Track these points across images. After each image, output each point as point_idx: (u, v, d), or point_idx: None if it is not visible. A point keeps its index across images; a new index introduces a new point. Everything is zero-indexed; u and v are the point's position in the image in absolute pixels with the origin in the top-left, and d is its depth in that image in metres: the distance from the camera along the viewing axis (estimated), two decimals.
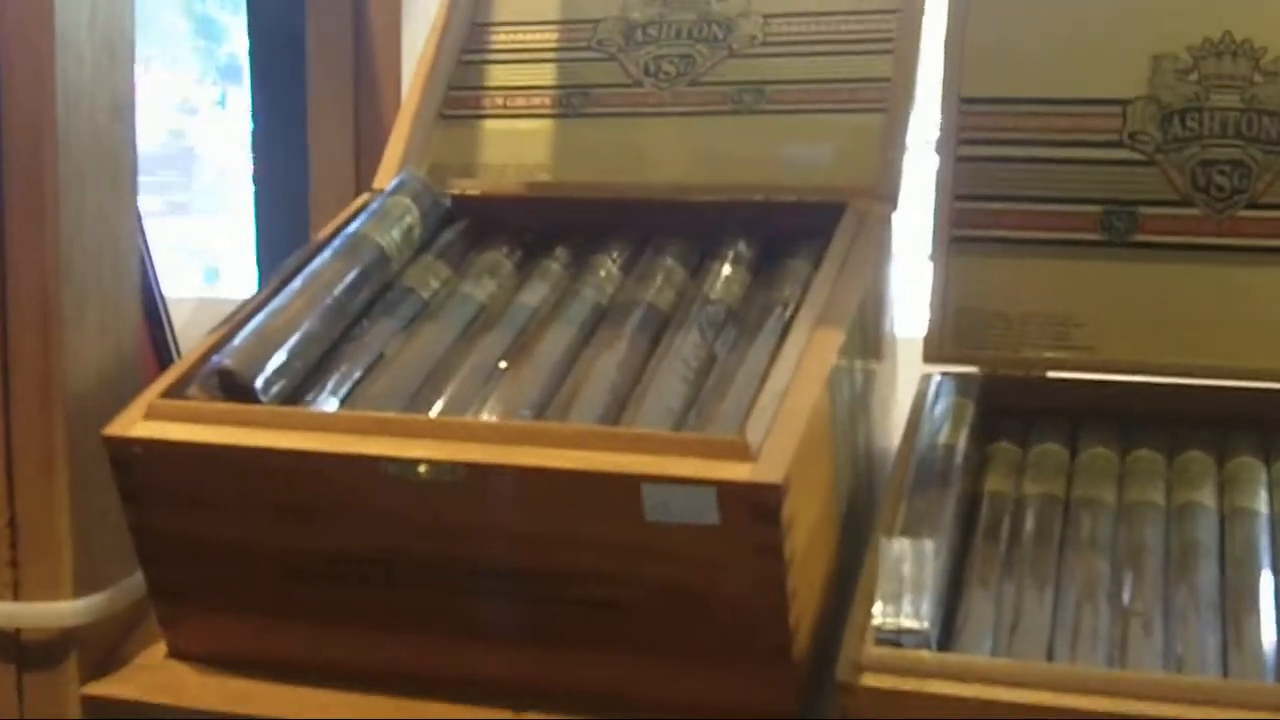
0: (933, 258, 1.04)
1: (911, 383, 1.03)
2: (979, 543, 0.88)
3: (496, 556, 0.79)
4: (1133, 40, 1.03)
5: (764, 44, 1.11)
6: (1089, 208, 1.02)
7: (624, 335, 0.88)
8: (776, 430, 0.77)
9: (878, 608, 0.78)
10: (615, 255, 0.98)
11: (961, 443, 0.92)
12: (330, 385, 0.87)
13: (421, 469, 0.77)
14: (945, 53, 1.06)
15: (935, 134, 1.06)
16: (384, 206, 0.98)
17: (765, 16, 1.12)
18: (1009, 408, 0.99)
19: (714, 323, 0.89)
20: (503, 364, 0.88)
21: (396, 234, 0.96)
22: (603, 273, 0.96)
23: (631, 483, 0.75)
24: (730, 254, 0.96)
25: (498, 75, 1.16)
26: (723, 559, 0.76)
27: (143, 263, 1.03)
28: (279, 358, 0.86)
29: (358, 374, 0.88)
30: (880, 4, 1.09)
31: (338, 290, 0.90)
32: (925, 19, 1.08)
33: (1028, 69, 1.04)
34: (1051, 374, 1.02)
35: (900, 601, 0.79)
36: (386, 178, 1.07)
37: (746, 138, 1.07)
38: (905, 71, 1.05)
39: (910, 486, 0.89)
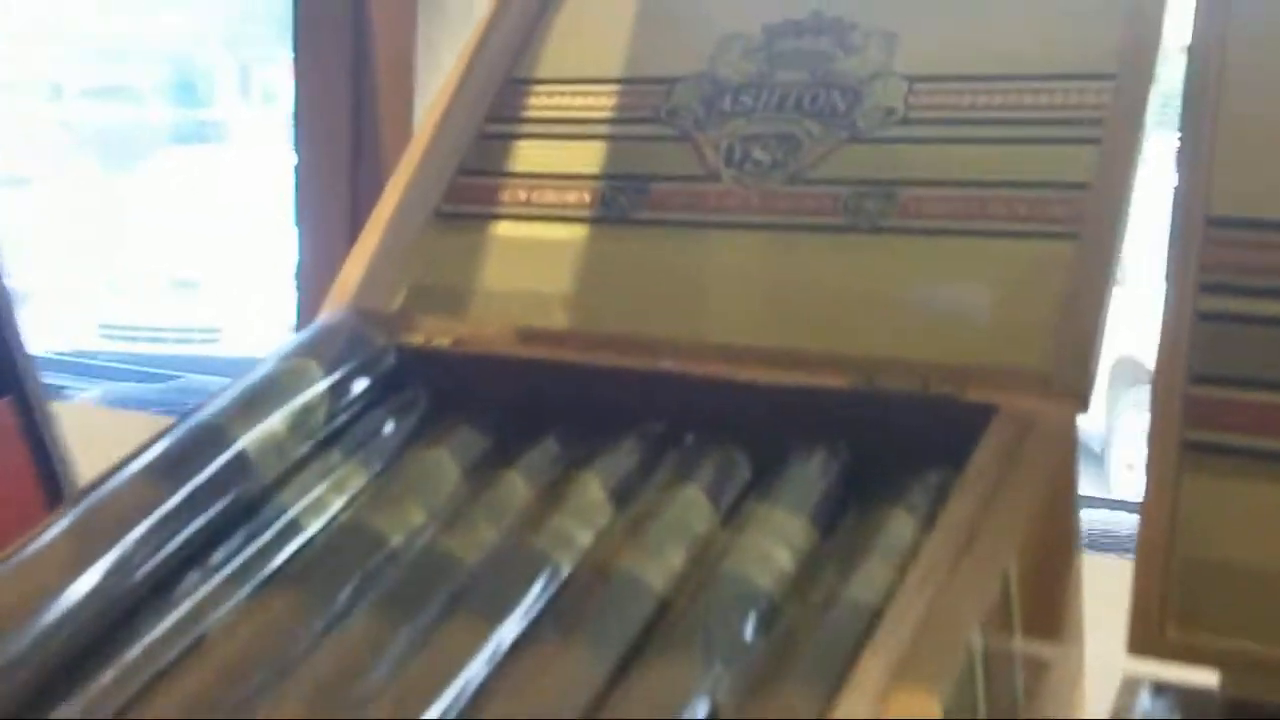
0: (1148, 478, 0.64)
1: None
2: None
3: None
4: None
5: (904, 121, 0.72)
6: None
7: (572, 653, 0.51)
8: None
9: None
10: (614, 468, 0.60)
11: None
12: (91, 696, 0.51)
13: None
14: (1182, 151, 0.65)
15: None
16: (267, 378, 0.62)
17: (911, 80, 0.73)
18: None
19: (731, 641, 0.51)
20: (383, 672, 0.51)
21: (278, 425, 0.61)
22: (583, 503, 0.58)
23: None
24: (790, 489, 0.57)
25: (526, 156, 0.80)
26: None
27: None
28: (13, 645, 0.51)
29: (144, 675, 0.52)
30: (1085, 63, 0.69)
31: (141, 528, 0.55)
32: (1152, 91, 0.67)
33: None
34: None
35: None
36: (332, 308, 0.72)
37: (863, 271, 0.69)
38: (1116, 177, 0.64)
39: None
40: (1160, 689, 0.63)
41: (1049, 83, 0.71)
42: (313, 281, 0.96)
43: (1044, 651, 0.61)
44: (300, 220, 0.96)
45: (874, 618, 0.51)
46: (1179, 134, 0.66)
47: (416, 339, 0.71)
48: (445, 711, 0.51)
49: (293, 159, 0.98)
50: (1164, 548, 0.63)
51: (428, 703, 0.51)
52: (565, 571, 0.57)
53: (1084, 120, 0.69)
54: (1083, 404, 0.60)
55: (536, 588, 0.56)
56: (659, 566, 0.56)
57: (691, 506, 0.59)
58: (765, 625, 0.53)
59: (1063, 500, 0.59)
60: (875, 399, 0.61)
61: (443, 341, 0.71)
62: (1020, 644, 0.58)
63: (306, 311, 1.01)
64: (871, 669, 0.47)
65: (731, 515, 0.60)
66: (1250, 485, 0.64)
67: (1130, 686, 0.62)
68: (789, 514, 0.58)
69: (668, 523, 0.58)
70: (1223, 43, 0.67)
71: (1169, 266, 0.66)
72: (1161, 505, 0.64)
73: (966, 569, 0.52)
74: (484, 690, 0.52)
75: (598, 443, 0.64)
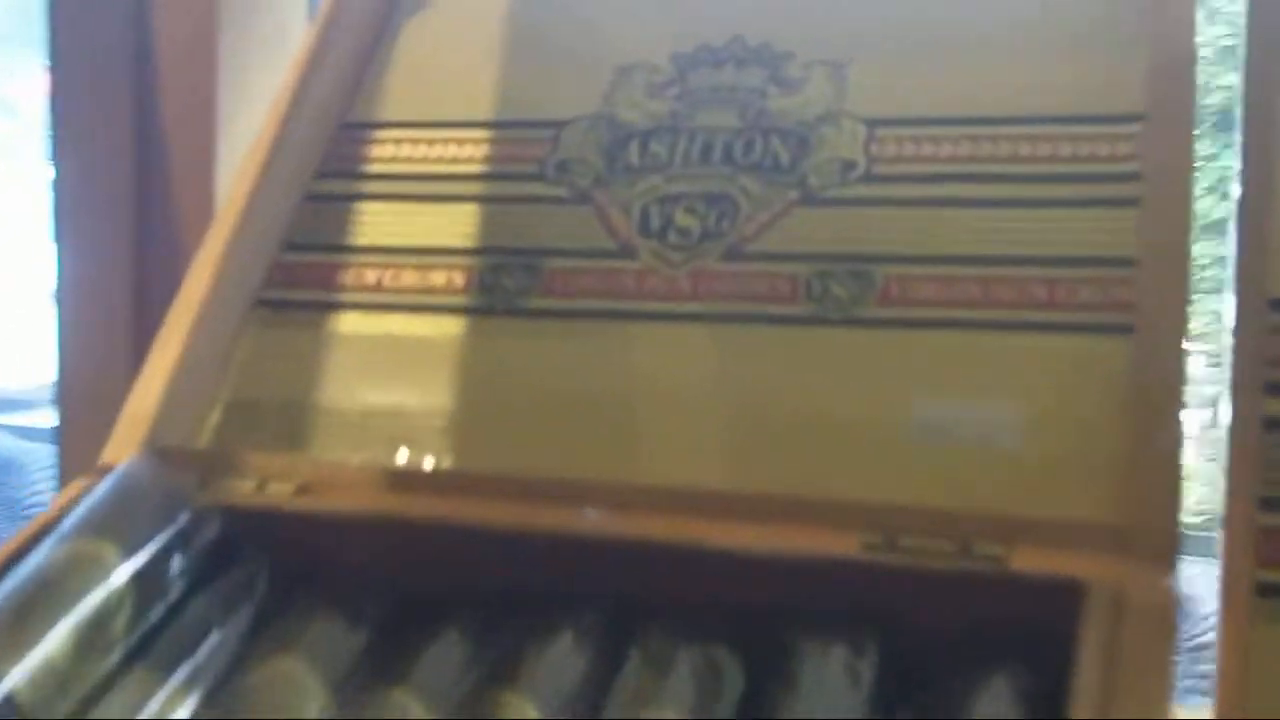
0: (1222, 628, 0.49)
1: None
2: None
3: None
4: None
5: (869, 178, 0.56)
6: None
7: None
8: None
9: None
10: (552, 688, 0.42)
11: None
12: None
13: None
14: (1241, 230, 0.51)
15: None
16: (48, 573, 0.42)
17: (871, 124, 0.56)
18: None
19: None
20: None
21: (60, 646, 0.41)
22: None
23: None
24: (818, 708, 0.40)
25: (373, 224, 0.62)
26: None
27: None
28: None
29: None
30: (1105, 100, 0.53)
31: None
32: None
33: None
34: None
35: None
36: (118, 452, 0.52)
37: (843, 379, 0.53)
38: (1171, 249, 0.49)
39: None
40: None
41: (1060, 127, 0.56)
42: (77, 307, 0.77)
43: None
44: (61, 242, 0.77)
45: None
46: (1235, 204, 0.52)
47: (245, 489, 0.52)
48: None
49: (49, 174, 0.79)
50: (1243, 708, 0.49)
51: None
52: None
53: (1114, 176, 0.53)
54: (1171, 569, 0.44)
55: None
56: None
57: None
58: None
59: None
60: (908, 573, 0.45)
61: (282, 491, 0.52)
62: None
63: (69, 348, 0.80)
64: None
65: None
66: None
67: None
68: None
69: None
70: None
71: (1234, 364, 0.51)
72: (1238, 662, 0.49)
73: None
74: None
75: (519, 639, 0.46)
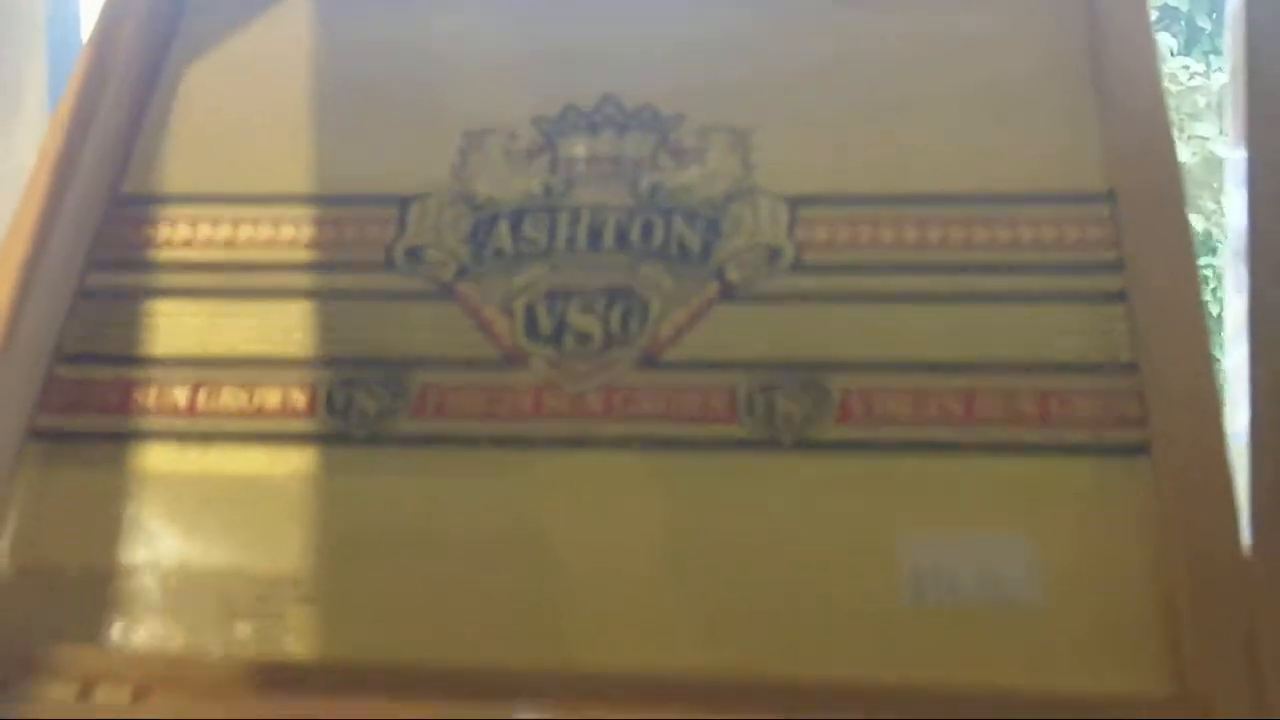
0: None
1: None
2: None
3: None
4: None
5: (800, 267, 0.47)
6: None
7: None
8: None
9: None
10: None
11: None
12: None
13: None
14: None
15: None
16: None
17: (794, 201, 0.48)
18: None
19: None
20: None
21: None
22: None
23: None
24: None
25: (175, 328, 0.49)
26: None
27: None
28: None
29: None
30: (1068, 179, 0.46)
31: None
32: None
33: None
34: None
35: None
36: None
37: (805, 520, 0.44)
38: (1183, 348, 0.42)
39: None
40: None
41: (1018, 208, 0.48)
42: None
43: None
44: None
45: None
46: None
47: (66, 697, 0.39)
48: None
49: None
50: None
51: None
52: None
53: (1091, 265, 0.46)
54: None
55: None
56: None
57: None
58: None
59: None
60: None
61: (115, 700, 0.39)
62: None
63: None
64: None
65: None
66: None
67: None
68: None
69: None
70: None
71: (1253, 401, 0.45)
72: None
73: None
74: None
75: None
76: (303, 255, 0.51)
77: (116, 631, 0.43)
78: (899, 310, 0.47)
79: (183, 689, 0.40)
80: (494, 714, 0.39)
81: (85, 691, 0.40)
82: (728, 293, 0.48)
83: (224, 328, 0.50)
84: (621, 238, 0.49)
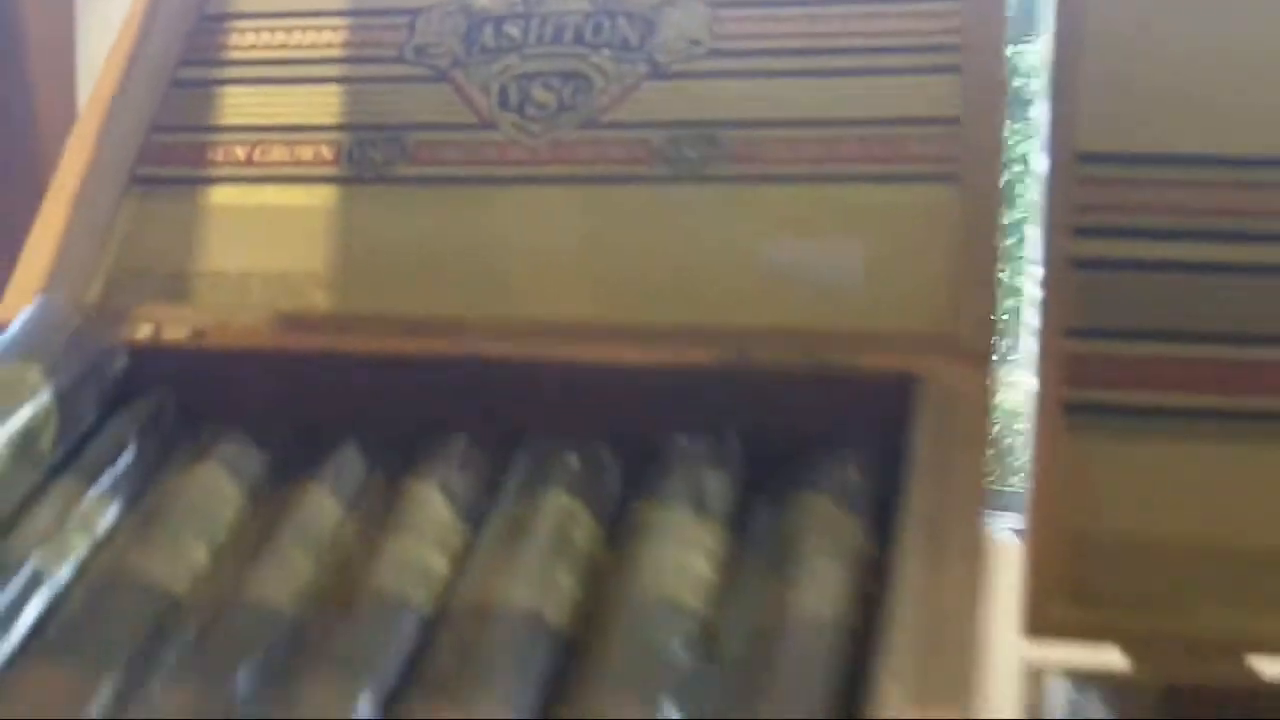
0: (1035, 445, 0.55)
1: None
2: None
3: None
4: None
5: (715, 54, 0.61)
6: None
7: (471, 707, 0.37)
8: None
9: None
10: (452, 481, 0.47)
11: None
12: None
13: None
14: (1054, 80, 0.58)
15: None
16: None
17: (714, 4, 0.62)
18: None
19: (678, 674, 0.39)
20: None
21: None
22: (427, 527, 0.45)
23: None
24: (686, 489, 0.46)
25: (239, 105, 0.65)
26: None
27: None
28: None
29: None
30: None
31: None
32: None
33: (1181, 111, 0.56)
34: None
35: None
36: (16, 306, 0.55)
37: (697, 227, 0.57)
38: (987, 109, 0.56)
39: None
40: (1078, 680, 0.55)
41: (887, 6, 0.62)
42: None
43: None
44: None
45: (846, 629, 0.41)
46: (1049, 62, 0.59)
47: (143, 333, 0.55)
48: None
49: None
50: (1055, 521, 0.56)
51: None
52: (428, 610, 0.43)
53: (936, 48, 0.60)
54: (990, 367, 0.51)
55: (398, 636, 0.42)
56: (550, 596, 0.43)
57: (568, 518, 0.47)
58: (706, 649, 0.41)
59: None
60: (762, 375, 0.50)
61: (178, 335, 0.55)
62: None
63: None
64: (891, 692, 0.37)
65: (616, 525, 0.47)
66: (1139, 447, 0.56)
67: (1036, 676, 0.54)
68: (693, 516, 0.46)
69: (545, 540, 0.45)
70: None
71: (1045, 209, 0.58)
72: (1050, 475, 0.56)
73: (951, 568, 0.42)
74: None
75: (416, 447, 0.50)
76: (335, 53, 0.66)
77: (184, 302, 0.59)
78: (783, 84, 0.61)
79: (230, 332, 0.56)
80: (461, 349, 0.54)
81: (156, 332, 0.56)
82: (654, 73, 0.63)
83: (273, 106, 0.65)
84: (579, 36, 0.64)
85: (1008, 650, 0.55)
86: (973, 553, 0.43)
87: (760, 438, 0.50)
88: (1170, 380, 0.57)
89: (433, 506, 0.47)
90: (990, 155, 0.56)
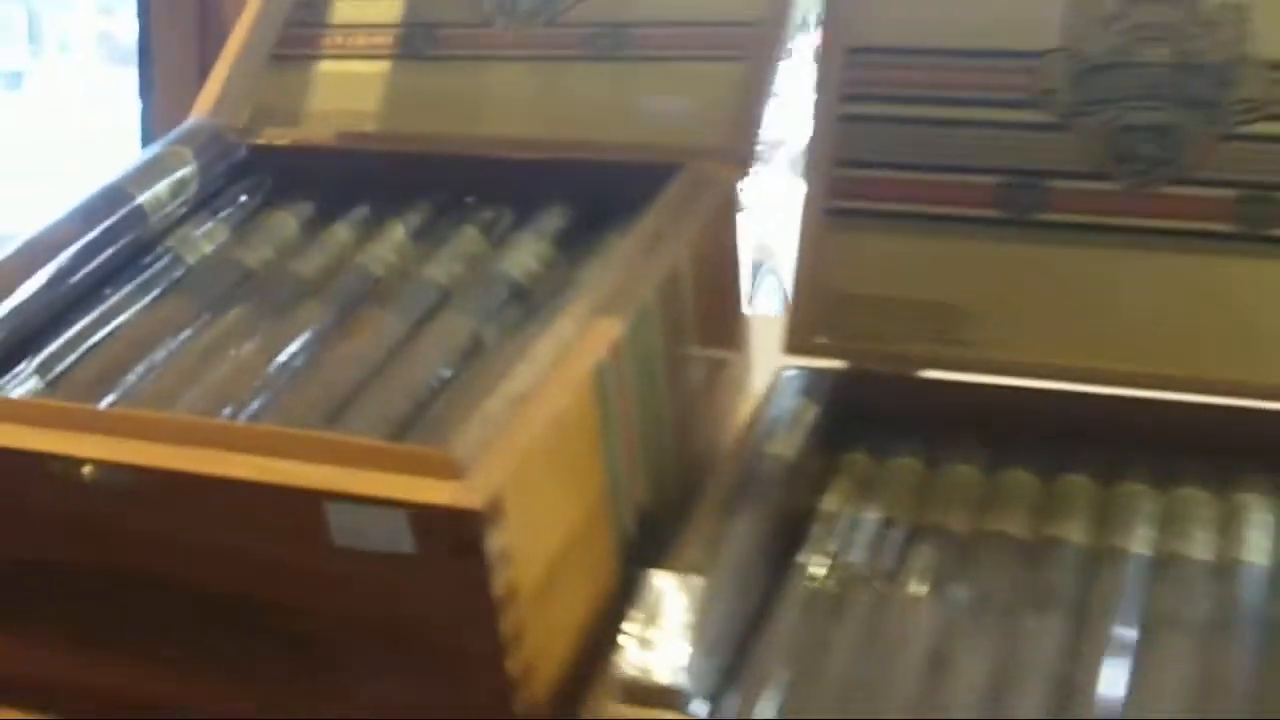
0: (801, 232, 0.89)
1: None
2: (792, 576, 0.73)
3: (175, 574, 0.67)
4: None
5: None
6: (986, 178, 0.85)
7: (384, 317, 0.75)
8: (500, 443, 0.63)
9: (623, 657, 0.64)
10: (414, 220, 0.84)
11: (791, 452, 0.77)
12: (40, 363, 0.74)
13: (86, 470, 0.64)
14: None
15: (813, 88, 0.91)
16: (155, 157, 0.85)
17: None
18: (873, 410, 0.84)
19: (494, 305, 0.75)
20: (244, 347, 0.75)
21: (163, 189, 0.83)
22: (391, 241, 0.82)
23: (313, 499, 0.61)
24: (539, 223, 0.82)
25: (341, 11, 1.03)
26: (424, 596, 0.62)
27: None
28: None
29: (74, 354, 0.75)
30: None
31: (69, 252, 0.77)
32: None
33: (924, 15, 0.88)
34: (930, 373, 0.86)
35: (654, 650, 0.65)
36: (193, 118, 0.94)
37: (602, 87, 0.93)
38: (774, 12, 0.90)
39: (720, 506, 0.75)
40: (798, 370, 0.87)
41: None
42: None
43: (718, 354, 0.87)
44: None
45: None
46: None
47: (261, 140, 0.94)
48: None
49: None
50: (811, 280, 0.88)
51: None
52: (376, 276, 0.81)
53: None
54: (745, 167, 0.85)
55: (360, 287, 0.80)
56: (444, 271, 0.80)
57: (470, 238, 0.83)
58: (519, 298, 0.78)
59: (727, 234, 0.85)
60: (592, 167, 0.86)
61: (281, 141, 0.94)
62: (698, 345, 0.83)
63: None
64: (580, 305, 0.72)
65: (500, 244, 0.84)
66: (866, 236, 0.88)
67: (779, 373, 0.87)
68: (537, 238, 0.82)
69: (452, 247, 0.82)
70: None
71: (818, 82, 0.91)
72: (811, 253, 0.89)
73: (650, 258, 0.77)
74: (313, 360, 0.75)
75: (399, 206, 0.88)
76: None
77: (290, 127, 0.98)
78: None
79: (313, 139, 0.95)
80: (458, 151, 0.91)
81: (269, 142, 0.94)
82: None
83: (360, 10, 1.03)
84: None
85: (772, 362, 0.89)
86: (667, 253, 0.78)
87: (596, 203, 0.85)
88: (899, 194, 0.89)
89: (396, 234, 0.84)
90: (768, 42, 0.90)
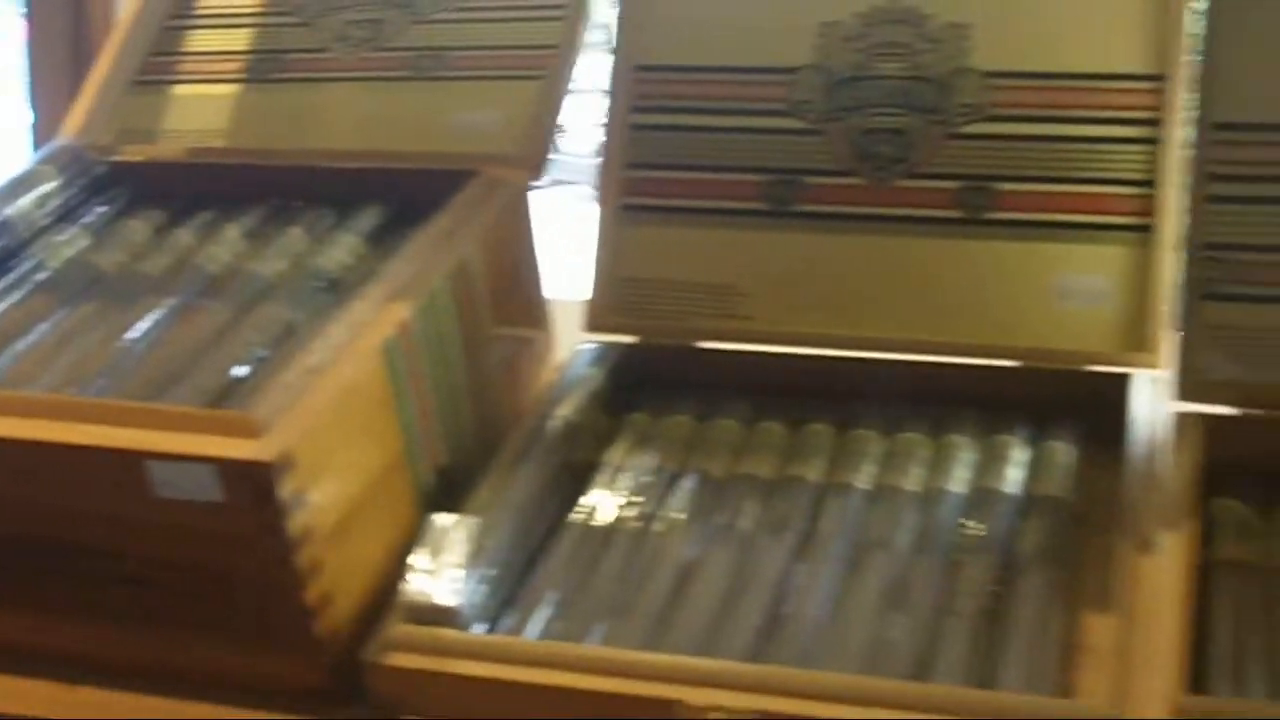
0: (598, 226, 1.02)
1: None
2: (572, 516, 0.87)
3: (28, 531, 0.79)
4: (801, 8, 1.00)
5: (451, 10, 1.10)
6: (753, 176, 0.99)
7: (214, 307, 0.88)
8: (295, 407, 0.76)
9: (409, 585, 0.77)
10: (248, 223, 0.97)
11: (574, 413, 0.91)
12: None
13: None
14: (620, 22, 1.04)
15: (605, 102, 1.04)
16: (22, 175, 0.98)
17: None
18: (655, 377, 0.98)
19: (308, 295, 0.88)
20: (93, 336, 0.88)
21: (28, 202, 0.96)
22: (227, 242, 0.95)
23: (136, 459, 0.74)
24: (356, 223, 0.95)
25: (197, 41, 1.15)
26: (233, 536, 0.75)
27: None
28: None
29: None
30: None
31: None
32: None
33: (701, 37, 1.02)
34: (707, 344, 0.99)
35: (436, 579, 0.78)
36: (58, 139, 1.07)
37: (422, 104, 1.06)
38: (568, 38, 1.03)
39: (510, 460, 0.88)
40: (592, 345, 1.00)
41: None
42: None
43: (520, 333, 1.00)
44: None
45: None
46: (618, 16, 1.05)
47: (120, 157, 1.07)
48: None
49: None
50: (608, 268, 1.02)
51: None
52: (211, 273, 0.94)
53: (558, 4, 1.07)
54: (537, 171, 0.99)
55: (198, 283, 0.93)
56: (270, 267, 0.93)
57: (295, 238, 0.96)
58: (332, 288, 0.91)
59: (519, 229, 0.98)
60: (401, 174, 0.99)
61: (138, 158, 1.06)
62: (493, 325, 0.96)
63: None
64: (376, 291, 0.86)
65: (320, 242, 0.97)
66: (653, 228, 1.02)
67: (578, 350, 1.00)
68: (352, 236, 0.95)
69: (278, 246, 0.96)
70: None
71: (610, 96, 1.05)
72: (606, 244, 1.03)
73: (442, 250, 0.91)
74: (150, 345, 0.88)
75: (238, 212, 1.01)
76: (244, 9, 1.17)
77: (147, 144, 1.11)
78: (463, 27, 1.09)
79: (166, 155, 1.08)
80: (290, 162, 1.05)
81: (127, 159, 1.07)
82: (416, 20, 1.12)
83: (217, 40, 1.16)
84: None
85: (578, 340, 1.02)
86: (459, 244, 0.92)
87: (411, 204, 0.99)
88: (681, 192, 1.02)
89: (230, 234, 0.97)
90: (562, 62, 1.03)
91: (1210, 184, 0.86)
